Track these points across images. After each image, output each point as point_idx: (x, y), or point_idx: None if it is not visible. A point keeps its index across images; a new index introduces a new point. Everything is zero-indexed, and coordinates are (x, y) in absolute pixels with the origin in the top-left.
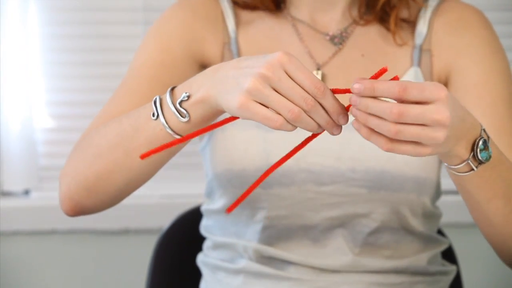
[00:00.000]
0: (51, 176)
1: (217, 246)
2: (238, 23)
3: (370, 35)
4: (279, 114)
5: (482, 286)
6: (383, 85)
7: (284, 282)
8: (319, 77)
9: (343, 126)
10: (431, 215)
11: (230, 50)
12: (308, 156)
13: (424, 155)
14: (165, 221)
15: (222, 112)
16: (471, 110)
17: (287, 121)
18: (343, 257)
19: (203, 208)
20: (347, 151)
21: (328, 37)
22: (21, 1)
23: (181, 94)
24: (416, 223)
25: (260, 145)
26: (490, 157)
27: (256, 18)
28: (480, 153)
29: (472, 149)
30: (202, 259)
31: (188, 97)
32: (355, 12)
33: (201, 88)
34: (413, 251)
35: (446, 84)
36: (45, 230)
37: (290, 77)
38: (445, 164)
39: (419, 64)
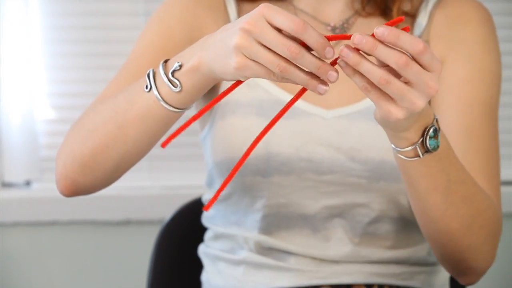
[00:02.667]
0: (52, 167)
1: (218, 237)
2: (240, 12)
3: (372, 26)
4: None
5: (484, 276)
6: (408, 37)
7: (285, 273)
8: None
9: (344, 114)
10: None
11: None
12: (308, 146)
13: (392, 117)
14: (167, 212)
15: (214, 80)
16: (449, 105)
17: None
18: (343, 248)
19: (204, 199)
20: (346, 141)
21: (329, 28)
22: None
23: (173, 65)
24: None
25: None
26: (437, 147)
27: None
28: (429, 140)
29: (422, 135)
30: (203, 250)
31: (180, 66)
32: (357, 4)
33: (193, 57)
34: (413, 242)
35: None
36: (46, 221)
37: (272, 25)
38: (392, 146)
39: None
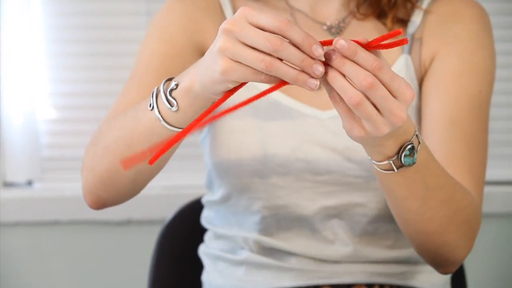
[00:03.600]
0: (54, 167)
1: (218, 237)
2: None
3: (367, 28)
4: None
5: (485, 276)
6: (365, 53)
7: (286, 273)
8: None
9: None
10: None
11: None
12: (304, 146)
13: (354, 135)
14: (168, 212)
15: (208, 99)
16: (436, 95)
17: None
18: (344, 248)
19: (203, 200)
20: (342, 141)
21: (325, 27)
22: None
23: (172, 84)
24: None
25: (256, 134)
26: (413, 163)
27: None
28: (404, 158)
29: (398, 152)
30: (203, 250)
31: (177, 86)
32: (353, 5)
33: (186, 76)
34: None
35: (426, 70)
36: (47, 221)
37: (254, 25)
38: (368, 157)
39: (410, 52)
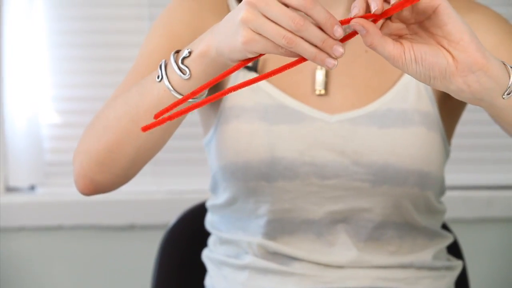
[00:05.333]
0: (57, 171)
1: (222, 242)
2: None
3: None
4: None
5: (488, 281)
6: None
7: (289, 278)
8: (322, 72)
9: (347, 119)
10: (435, 210)
11: None
12: (311, 150)
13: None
14: (171, 217)
15: (223, 64)
16: None
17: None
18: (348, 253)
19: (208, 204)
20: (350, 145)
21: None
22: None
23: (184, 53)
24: (420, 218)
25: (264, 137)
26: None
27: None
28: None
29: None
30: (207, 255)
31: (190, 53)
32: None
33: (201, 42)
34: (418, 247)
35: None
36: (51, 226)
37: (280, 1)
38: (506, 96)
39: None
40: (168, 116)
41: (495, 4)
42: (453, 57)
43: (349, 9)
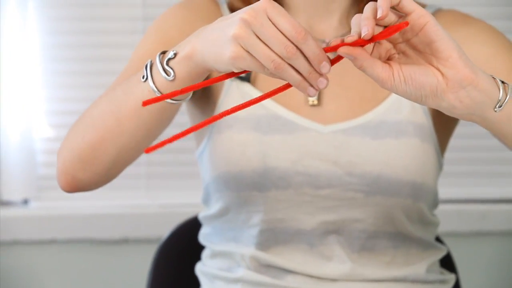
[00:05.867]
0: (50, 185)
1: (215, 255)
2: None
3: None
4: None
5: None
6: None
7: None
8: None
9: (341, 129)
10: (428, 222)
11: None
12: (305, 160)
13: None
14: (164, 231)
15: (207, 70)
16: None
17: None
18: (341, 266)
19: (200, 216)
20: (343, 155)
21: (324, 44)
22: (21, 10)
23: (169, 54)
24: (413, 229)
25: (257, 147)
26: None
27: None
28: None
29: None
30: (200, 268)
31: (175, 55)
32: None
33: (187, 45)
34: (412, 257)
35: None
36: (44, 240)
37: (273, 23)
38: (497, 109)
39: None
40: (168, 94)
41: (492, 18)
42: (442, 74)
43: (341, 21)
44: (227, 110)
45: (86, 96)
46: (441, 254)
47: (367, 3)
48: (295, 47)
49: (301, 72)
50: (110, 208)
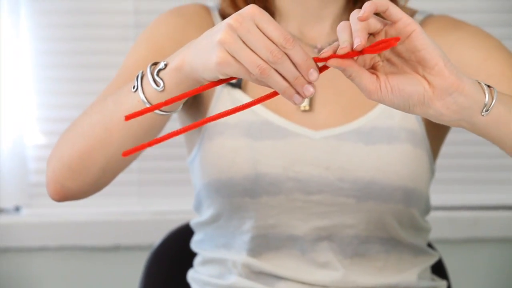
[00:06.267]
0: (42, 192)
1: (206, 262)
2: None
3: None
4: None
5: None
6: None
7: None
8: None
9: (333, 135)
10: (419, 228)
11: None
12: (296, 165)
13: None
14: (156, 238)
15: (196, 81)
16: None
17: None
18: (333, 272)
19: (192, 223)
20: (335, 160)
21: (316, 50)
22: (13, 18)
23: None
24: (405, 235)
25: (248, 153)
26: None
27: None
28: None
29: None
30: (192, 275)
31: (166, 66)
32: None
33: (178, 56)
34: (404, 263)
35: None
36: (35, 247)
37: (260, 29)
38: (484, 113)
39: None
40: (151, 107)
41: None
42: (428, 82)
43: (333, 27)
44: (210, 117)
45: (78, 103)
46: (433, 260)
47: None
48: (281, 52)
49: (287, 77)
50: (102, 215)
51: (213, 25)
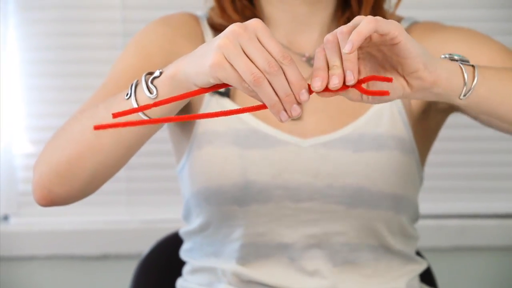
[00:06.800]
0: (30, 201)
1: (196, 270)
2: None
3: None
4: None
5: None
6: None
7: None
8: None
9: (321, 142)
10: (408, 235)
11: None
12: (285, 173)
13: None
14: (145, 246)
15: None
16: None
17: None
18: (322, 281)
19: (181, 232)
20: (324, 168)
21: (304, 58)
22: (1, 27)
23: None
24: (394, 242)
25: (236, 162)
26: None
27: None
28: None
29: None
30: (181, 284)
31: (161, 73)
32: None
33: (173, 65)
34: (393, 271)
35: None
36: (24, 256)
37: (260, 42)
38: (462, 97)
39: None
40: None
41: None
42: (407, 81)
43: (322, 35)
44: (193, 115)
45: (67, 112)
46: (422, 268)
47: (347, 18)
48: (278, 64)
49: (279, 92)
50: (90, 224)
51: (202, 34)
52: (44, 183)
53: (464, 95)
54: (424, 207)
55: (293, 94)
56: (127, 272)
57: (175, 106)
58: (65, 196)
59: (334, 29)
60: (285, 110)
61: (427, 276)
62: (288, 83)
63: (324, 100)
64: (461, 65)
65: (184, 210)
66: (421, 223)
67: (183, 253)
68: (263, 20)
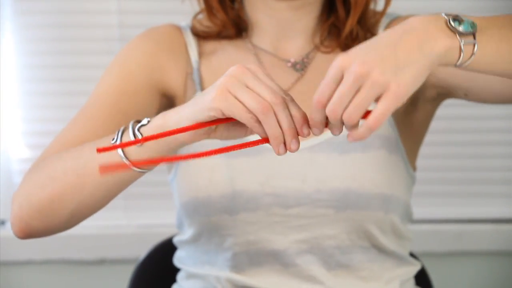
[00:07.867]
0: None
1: (190, 277)
2: (201, 53)
3: (331, 61)
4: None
5: None
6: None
7: None
8: None
9: (307, 147)
10: (401, 235)
11: (193, 80)
12: (272, 180)
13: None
14: (141, 251)
15: (178, 141)
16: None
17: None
18: (318, 286)
19: (175, 240)
20: (311, 172)
21: (290, 64)
22: None
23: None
24: (387, 242)
25: (224, 171)
26: (473, 24)
27: (218, 48)
28: (460, 27)
29: (453, 32)
30: None
31: (148, 122)
32: (317, 39)
33: (162, 116)
34: (387, 272)
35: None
36: (20, 261)
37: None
38: (457, 64)
39: None
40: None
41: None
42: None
43: (307, 40)
44: (193, 154)
45: (64, 117)
46: (416, 269)
47: (331, 23)
48: (283, 97)
49: (282, 124)
50: (87, 228)
51: (185, 45)
52: (23, 217)
53: (460, 65)
54: (420, 212)
55: (295, 127)
56: (124, 276)
57: (161, 153)
58: (43, 231)
59: (319, 34)
60: (284, 144)
61: (422, 280)
62: (291, 116)
63: (308, 105)
64: (460, 44)
65: (177, 220)
66: (417, 228)
67: (177, 260)
68: (250, 27)
